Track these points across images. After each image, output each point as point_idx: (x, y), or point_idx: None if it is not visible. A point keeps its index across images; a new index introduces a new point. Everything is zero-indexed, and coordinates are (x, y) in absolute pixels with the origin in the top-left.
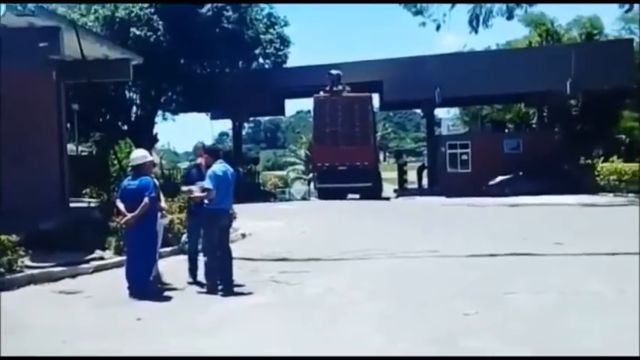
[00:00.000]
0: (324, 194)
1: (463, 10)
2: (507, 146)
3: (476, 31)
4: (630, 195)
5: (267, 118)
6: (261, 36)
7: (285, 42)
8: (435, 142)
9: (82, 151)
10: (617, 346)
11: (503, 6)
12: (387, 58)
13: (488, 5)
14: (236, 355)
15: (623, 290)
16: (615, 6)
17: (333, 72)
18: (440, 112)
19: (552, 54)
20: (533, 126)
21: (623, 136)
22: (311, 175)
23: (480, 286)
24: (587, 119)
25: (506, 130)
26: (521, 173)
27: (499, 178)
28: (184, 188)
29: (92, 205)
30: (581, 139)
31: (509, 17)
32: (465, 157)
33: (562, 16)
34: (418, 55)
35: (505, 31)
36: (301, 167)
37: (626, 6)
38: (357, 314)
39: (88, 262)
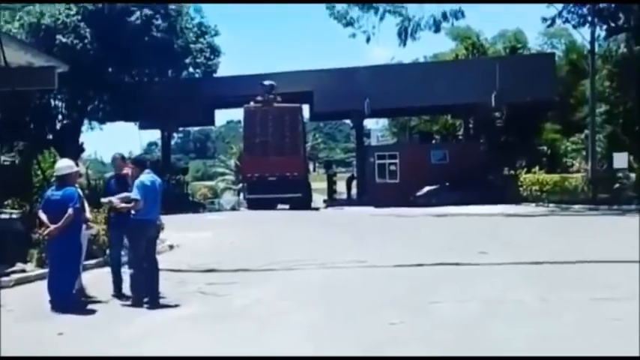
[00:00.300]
0: (253, 205)
1: (392, 23)
2: (434, 157)
3: (404, 44)
4: (551, 205)
5: (196, 128)
6: (191, 45)
7: (215, 51)
8: (364, 153)
9: (4, 161)
10: (540, 353)
11: (431, 19)
12: (317, 68)
13: (417, 18)
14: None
15: (545, 299)
16: (538, 20)
17: (267, 83)
18: (369, 123)
19: (478, 67)
20: (460, 137)
21: (545, 148)
22: (241, 185)
23: (407, 296)
24: (511, 131)
25: (434, 141)
26: (447, 184)
27: (426, 189)
28: (104, 200)
29: (14, 216)
30: (505, 150)
31: (437, 30)
32: (393, 167)
33: (488, 29)
34: (348, 66)
35: (433, 44)
36: (231, 177)
37: (549, 21)
38: (285, 325)
39: (8, 274)
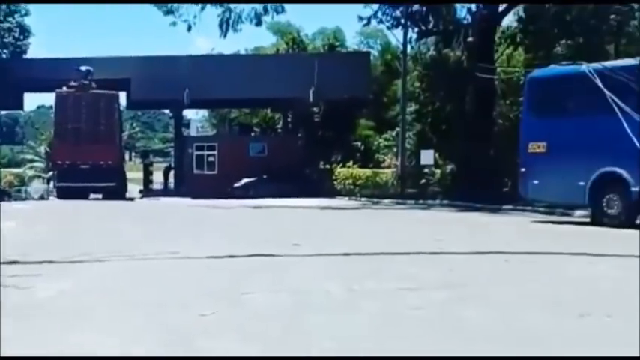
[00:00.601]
0: (64, 194)
1: (214, 13)
2: (253, 150)
3: (225, 35)
4: (363, 199)
5: (3, 112)
6: None
7: (25, 32)
8: (183, 144)
9: None
10: (350, 342)
11: (252, 12)
12: (135, 55)
13: (238, 10)
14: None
15: (352, 289)
16: (356, 20)
17: (83, 68)
18: (189, 113)
19: (297, 62)
20: (279, 131)
21: (359, 143)
22: (51, 173)
23: (219, 287)
24: (327, 126)
25: (253, 134)
26: (265, 176)
27: (244, 181)
28: None
29: None
30: (321, 145)
31: (258, 24)
32: (211, 159)
33: (308, 26)
34: (168, 54)
35: (254, 38)
36: (41, 165)
37: (365, 20)
38: (90, 318)
39: None
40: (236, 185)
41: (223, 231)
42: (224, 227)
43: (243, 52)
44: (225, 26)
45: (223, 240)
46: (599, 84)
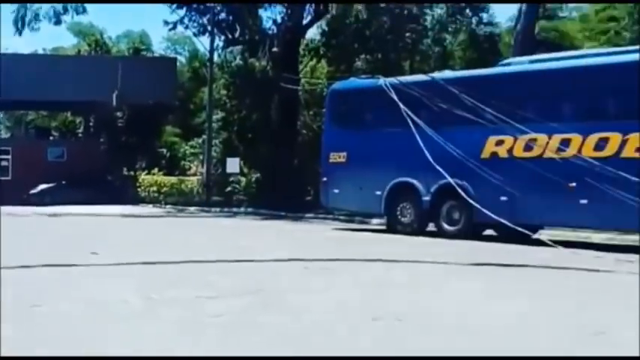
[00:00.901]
0: None
1: (8, 10)
2: (51, 154)
3: (20, 33)
4: (168, 206)
5: None
6: None
7: None
8: None
9: None
10: (146, 350)
11: (51, 10)
12: None
13: (34, 7)
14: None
15: (150, 298)
16: (162, 24)
17: None
18: None
19: (100, 64)
20: (80, 135)
21: (165, 150)
22: None
23: (5, 300)
24: (132, 131)
25: (51, 138)
26: (64, 182)
27: (41, 187)
28: None
29: None
30: (125, 151)
31: (57, 23)
32: (4, 163)
33: (112, 29)
34: None
35: (55, 38)
36: None
37: (171, 25)
38: None
39: None
40: (32, 191)
41: (16, 240)
42: (16, 236)
43: (41, 52)
44: (21, 24)
45: (15, 250)
46: (395, 98)
